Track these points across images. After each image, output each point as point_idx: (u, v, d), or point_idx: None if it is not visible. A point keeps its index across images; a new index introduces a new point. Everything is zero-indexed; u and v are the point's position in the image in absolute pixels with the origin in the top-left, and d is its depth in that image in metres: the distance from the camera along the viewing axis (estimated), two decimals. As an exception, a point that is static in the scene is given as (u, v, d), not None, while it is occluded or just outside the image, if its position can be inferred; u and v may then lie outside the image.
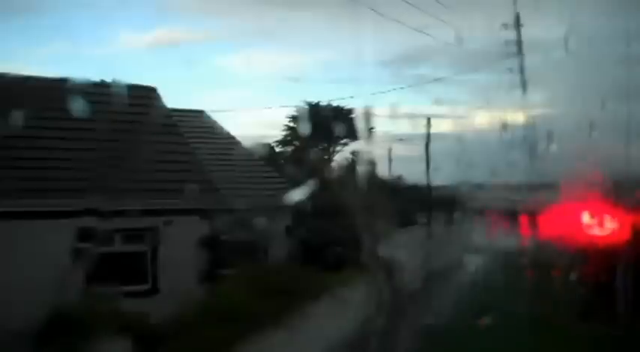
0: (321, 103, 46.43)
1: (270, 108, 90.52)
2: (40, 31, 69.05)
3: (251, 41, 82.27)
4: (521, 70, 32.11)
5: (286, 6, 73.22)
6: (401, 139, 46.95)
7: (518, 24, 32.49)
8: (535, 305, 14.08)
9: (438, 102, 66.41)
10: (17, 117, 14.19)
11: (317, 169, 35.06)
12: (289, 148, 51.33)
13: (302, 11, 75.55)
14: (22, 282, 13.44)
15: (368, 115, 30.67)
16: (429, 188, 44.91)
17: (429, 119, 45.19)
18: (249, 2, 71.14)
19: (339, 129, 48.64)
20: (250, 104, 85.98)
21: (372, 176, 33.09)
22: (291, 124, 51.36)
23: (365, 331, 14.79)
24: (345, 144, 53.36)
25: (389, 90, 58.77)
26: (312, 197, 20.37)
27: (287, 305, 16.41)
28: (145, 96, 19.11)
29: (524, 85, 31.65)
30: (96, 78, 19.23)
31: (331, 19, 72.49)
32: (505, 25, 32.49)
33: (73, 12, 65.45)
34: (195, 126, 23.76)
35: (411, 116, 64.41)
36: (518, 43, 32.44)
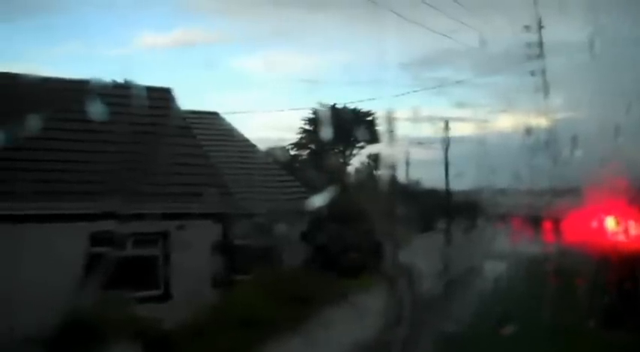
0: (338, 106, 46.26)
1: (285, 111, 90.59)
2: (56, 31, 69.62)
3: (268, 42, 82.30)
4: (544, 73, 31.64)
5: (304, 7, 73.27)
6: (421, 143, 46.56)
7: (540, 26, 32.05)
8: (558, 313, 13.75)
9: (459, 105, 66.02)
10: (32, 119, 14.07)
11: (334, 173, 34.84)
12: (305, 151, 51.25)
13: (320, 13, 75.57)
14: (35, 287, 13.30)
15: (387, 118, 30.40)
16: (448, 193, 44.55)
17: (447, 122, 44.82)
18: (266, 3, 71.28)
19: (356, 132, 48.49)
20: (267, 106, 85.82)
21: (391, 180, 32.85)
22: (308, 127, 51.27)
23: (384, 338, 14.57)
24: (362, 148, 53.23)
25: (407, 93, 58.68)
26: (329, 201, 20.11)
27: (303, 311, 16.17)
28: (160, 97, 18.96)
29: (546, 88, 31.19)
30: (112, 79, 19.22)
31: (350, 21, 72.53)
32: (527, 27, 32.04)
33: (90, 12, 65.70)
34: (211, 128, 23.62)
35: (432, 119, 64.10)
36: (540, 45, 32.00)
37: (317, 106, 46.48)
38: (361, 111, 49.54)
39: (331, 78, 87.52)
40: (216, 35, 75.40)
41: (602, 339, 13.39)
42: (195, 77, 68.71)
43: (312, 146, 50.55)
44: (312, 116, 49.85)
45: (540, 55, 31.83)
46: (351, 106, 48.07)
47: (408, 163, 45.61)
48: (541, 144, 27.57)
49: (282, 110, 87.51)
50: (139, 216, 14.65)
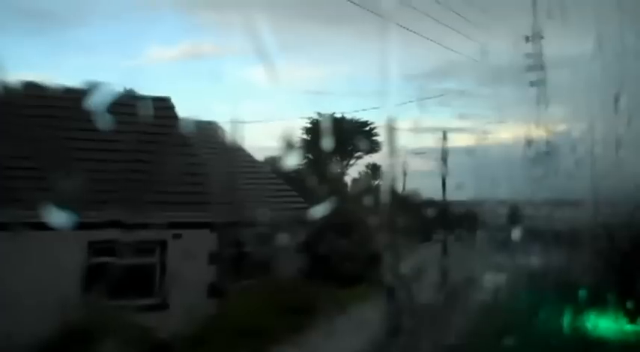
0: (338, 115, 46.17)
1: (285, 120, 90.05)
2: (65, 43, 69.41)
3: (273, 54, 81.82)
4: (544, 84, 31.61)
5: (309, 20, 73.21)
6: (421, 153, 46.38)
7: (540, 37, 32.05)
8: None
9: (460, 116, 66.01)
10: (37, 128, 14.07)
11: (332, 183, 34.75)
12: (304, 161, 51.12)
13: (324, 25, 75.43)
14: (33, 294, 13.28)
15: (387, 128, 30.34)
16: (446, 203, 44.39)
17: (444, 133, 44.69)
18: (271, 17, 71.07)
19: (355, 141, 48.42)
20: (269, 117, 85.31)
21: (390, 190, 32.73)
22: (305, 136, 51.18)
23: (382, 349, 14.48)
24: (361, 158, 53.14)
25: (406, 103, 58.55)
26: (328, 211, 20.03)
27: (302, 321, 16.09)
28: (159, 107, 18.90)
29: (547, 100, 31.15)
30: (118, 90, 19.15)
31: (353, 33, 72.42)
32: (527, 38, 32.03)
33: (99, 24, 65.58)
34: (209, 138, 23.55)
35: (432, 130, 63.98)
36: (541, 56, 31.98)
37: (316, 116, 46.47)
38: (360, 121, 49.52)
39: (335, 89, 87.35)
40: (223, 48, 75.24)
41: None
42: (202, 89, 68.46)
43: (309, 155, 50.45)
44: (308, 125, 49.79)
45: (541, 67, 31.85)
46: (352, 116, 48.08)
47: (407, 173, 45.50)
48: (541, 156, 27.54)
49: (285, 120, 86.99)
50: (139, 225, 14.62)
